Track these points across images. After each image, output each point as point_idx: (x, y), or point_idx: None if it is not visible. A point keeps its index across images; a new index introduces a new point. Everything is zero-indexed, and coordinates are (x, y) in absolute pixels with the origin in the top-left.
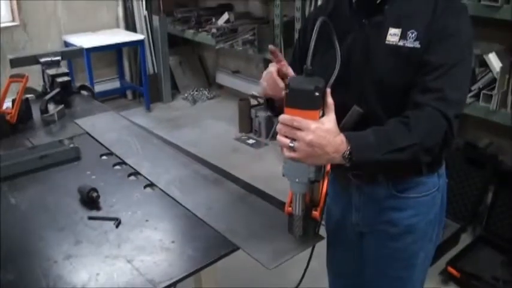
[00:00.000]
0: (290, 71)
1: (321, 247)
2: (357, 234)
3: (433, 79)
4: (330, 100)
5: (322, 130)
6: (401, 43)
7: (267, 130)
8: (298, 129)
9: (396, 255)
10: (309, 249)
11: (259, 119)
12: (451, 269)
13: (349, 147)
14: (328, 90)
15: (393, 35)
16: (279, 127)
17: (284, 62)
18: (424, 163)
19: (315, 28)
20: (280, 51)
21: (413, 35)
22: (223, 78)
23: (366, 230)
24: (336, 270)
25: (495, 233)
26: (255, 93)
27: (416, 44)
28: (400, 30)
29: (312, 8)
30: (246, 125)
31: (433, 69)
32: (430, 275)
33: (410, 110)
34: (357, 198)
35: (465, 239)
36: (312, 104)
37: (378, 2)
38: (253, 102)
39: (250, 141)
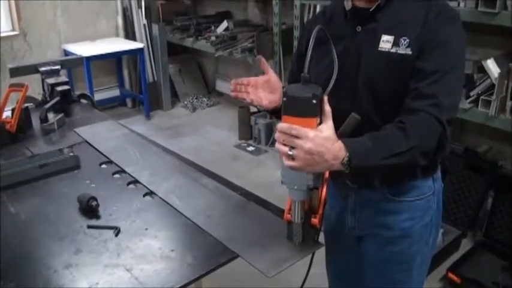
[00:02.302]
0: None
1: (322, 253)
2: (353, 237)
3: (427, 85)
4: (327, 107)
5: (321, 138)
6: (393, 50)
7: (266, 137)
8: (297, 137)
9: (393, 258)
10: (309, 256)
11: (258, 126)
12: (451, 275)
13: (347, 154)
14: (325, 98)
15: (386, 42)
16: (277, 135)
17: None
18: (420, 167)
19: (312, 37)
20: (280, 59)
21: (406, 42)
22: (222, 86)
23: (362, 233)
24: (335, 273)
25: (495, 238)
26: None
27: (408, 51)
28: (393, 37)
29: (311, 16)
30: (246, 132)
31: (427, 76)
32: (431, 281)
33: (403, 115)
34: (352, 202)
35: (465, 245)
36: (309, 111)
37: (371, 10)
38: (253, 109)
39: (250, 148)
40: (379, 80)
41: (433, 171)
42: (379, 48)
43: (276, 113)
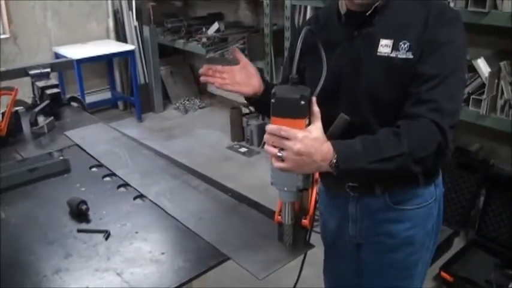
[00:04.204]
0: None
1: (315, 255)
2: (354, 245)
3: (427, 90)
4: (316, 108)
5: (310, 138)
6: (393, 54)
7: (259, 138)
8: (286, 138)
9: (395, 266)
10: (301, 258)
11: (251, 128)
12: (444, 274)
13: (335, 156)
14: (314, 99)
15: (385, 46)
16: (266, 137)
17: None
18: (420, 174)
19: (300, 37)
20: (271, 60)
21: (406, 45)
22: (214, 87)
23: (364, 241)
24: (334, 281)
25: (488, 236)
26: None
27: (409, 55)
28: (392, 41)
29: (302, 16)
30: (238, 133)
31: (427, 80)
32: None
33: (402, 120)
34: (353, 210)
35: (458, 243)
36: (298, 112)
37: (368, 13)
38: (245, 110)
39: (243, 149)
40: (380, 87)
41: (434, 178)
42: (378, 53)
43: (254, 103)
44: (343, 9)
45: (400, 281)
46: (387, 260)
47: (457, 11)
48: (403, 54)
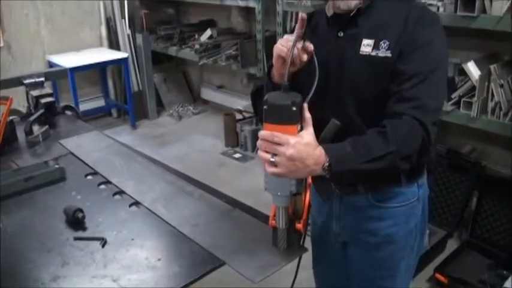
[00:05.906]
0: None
1: (310, 259)
2: (339, 243)
3: (409, 88)
4: (307, 114)
5: (302, 144)
6: (374, 53)
7: (252, 144)
8: (279, 144)
9: (377, 264)
10: (296, 262)
11: (244, 133)
12: (438, 275)
13: (328, 159)
14: (305, 105)
15: (366, 46)
16: (259, 143)
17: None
18: (404, 172)
19: (292, 43)
20: (264, 66)
21: (385, 44)
22: (208, 94)
23: (348, 239)
24: (322, 278)
25: (481, 237)
26: (240, 107)
27: (388, 53)
28: (373, 40)
29: (293, 22)
30: (232, 139)
31: (409, 78)
32: (418, 282)
33: (386, 119)
34: (337, 207)
35: (452, 245)
36: (290, 118)
37: (351, 14)
38: (239, 116)
39: (237, 155)
40: (362, 84)
41: (418, 177)
42: (360, 52)
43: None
44: (329, 12)
45: (383, 280)
46: (370, 258)
47: (436, 13)
48: (383, 52)
